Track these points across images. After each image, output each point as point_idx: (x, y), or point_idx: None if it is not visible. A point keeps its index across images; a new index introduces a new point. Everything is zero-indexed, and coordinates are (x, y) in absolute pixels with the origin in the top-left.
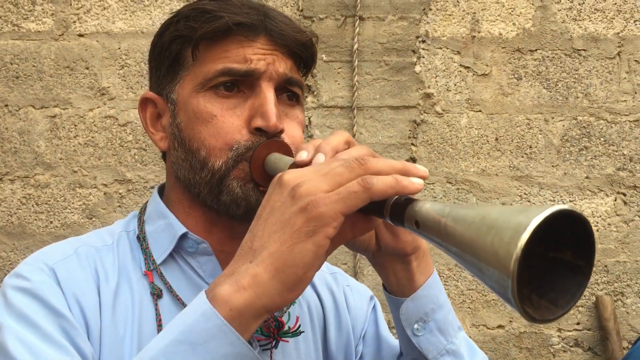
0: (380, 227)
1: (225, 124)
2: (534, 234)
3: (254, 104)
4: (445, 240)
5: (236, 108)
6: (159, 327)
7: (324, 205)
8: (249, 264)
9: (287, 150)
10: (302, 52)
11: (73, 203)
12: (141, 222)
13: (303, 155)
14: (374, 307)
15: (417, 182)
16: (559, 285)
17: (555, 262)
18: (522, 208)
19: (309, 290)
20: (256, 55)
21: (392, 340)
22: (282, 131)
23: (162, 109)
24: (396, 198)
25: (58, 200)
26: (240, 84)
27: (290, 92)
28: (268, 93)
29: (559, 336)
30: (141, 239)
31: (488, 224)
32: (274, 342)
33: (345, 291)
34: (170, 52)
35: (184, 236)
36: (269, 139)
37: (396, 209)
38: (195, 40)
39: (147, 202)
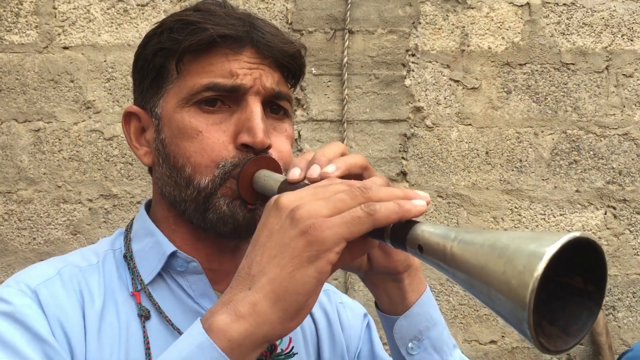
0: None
1: (211, 139)
2: (549, 263)
3: (240, 119)
4: (451, 266)
5: (222, 123)
6: (147, 350)
7: (328, 229)
8: (247, 291)
9: (275, 167)
10: (290, 63)
11: (57, 219)
12: (128, 240)
13: (296, 173)
14: (368, 324)
15: (420, 204)
16: (569, 312)
17: (566, 287)
18: (533, 235)
19: None
20: (242, 70)
21: (386, 358)
22: (269, 147)
23: (146, 124)
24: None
25: (41, 216)
26: (225, 98)
27: (277, 106)
28: (255, 108)
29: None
30: (128, 257)
31: (498, 251)
32: None
33: (338, 309)
34: (154, 65)
35: (172, 255)
36: (256, 154)
37: (398, 232)
38: (179, 53)
39: (133, 218)
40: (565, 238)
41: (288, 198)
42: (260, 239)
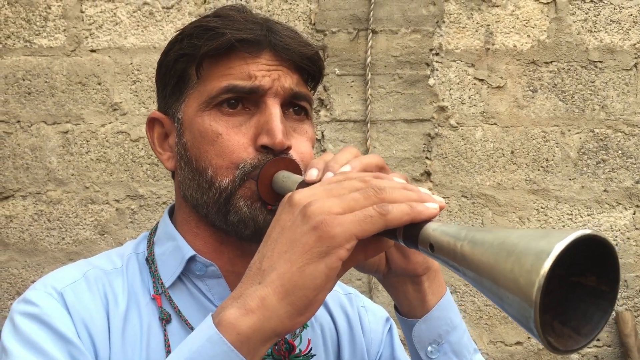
0: (390, 248)
1: (231, 142)
2: (556, 260)
3: (259, 121)
4: (461, 265)
5: (242, 126)
6: (168, 353)
7: (339, 225)
8: (257, 285)
9: (295, 168)
10: (308, 66)
11: (85, 219)
12: (150, 244)
13: (313, 174)
14: (390, 329)
15: (432, 207)
16: (581, 312)
17: (578, 286)
18: (543, 232)
19: (322, 312)
20: (261, 72)
21: None
22: (289, 148)
23: (169, 129)
24: None
25: (70, 217)
26: (245, 101)
27: (297, 107)
28: (274, 109)
29: (578, 353)
30: (150, 261)
31: (507, 249)
32: None
33: (360, 313)
34: (175, 71)
35: (192, 259)
36: (275, 156)
37: (410, 231)
38: (199, 58)
39: (158, 222)
40: (573, 236)
41: (301, 195)
42: (272, 235)
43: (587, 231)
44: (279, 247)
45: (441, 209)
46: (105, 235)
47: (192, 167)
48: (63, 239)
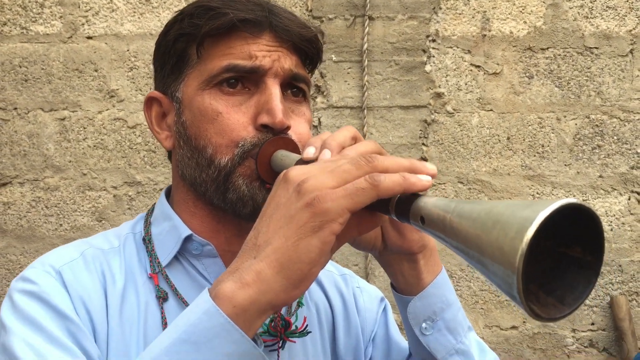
0: (386, 226)
1: (231, 120)
2: (540, 228)
3: (259, 101)
4: (450, 237)
5: (242, 105)
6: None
7: (331, 200)
8: (253, 260)
9: (294, 147)
10: (307, 48)
11: (82, 206)
12: (147, 224)
13: (310, 152)
14: (385, 308)
15: (425, 179)
16: (567, 282)
17: (564, 258)
18: (529, 202)
19: (317, 292)
20: (261, 52)
21: (403, 342)
22: (288, 128)
23: (167, 108)
24: (402, 194)
25: (67, 203)
26: (245, 80)
27: (296, 89)
28: (274, 89)
29: (573, 337)
30: (147, 241)
31: (493, 218)
32: (280, 342)
33: (355, 293)
34: (175, 51)
35: (188, 238)
36: (275, 135)
37: (402, 205)
38: (200, 38)
39: (154, 203)
40: (557, 204)
41: (296, 172)
42: (268, 211)
43: (572, 200)
44: (274, 223)
45: (433, 177)
46: (102, 222)
47: (191, 146)
48: (61, 225)
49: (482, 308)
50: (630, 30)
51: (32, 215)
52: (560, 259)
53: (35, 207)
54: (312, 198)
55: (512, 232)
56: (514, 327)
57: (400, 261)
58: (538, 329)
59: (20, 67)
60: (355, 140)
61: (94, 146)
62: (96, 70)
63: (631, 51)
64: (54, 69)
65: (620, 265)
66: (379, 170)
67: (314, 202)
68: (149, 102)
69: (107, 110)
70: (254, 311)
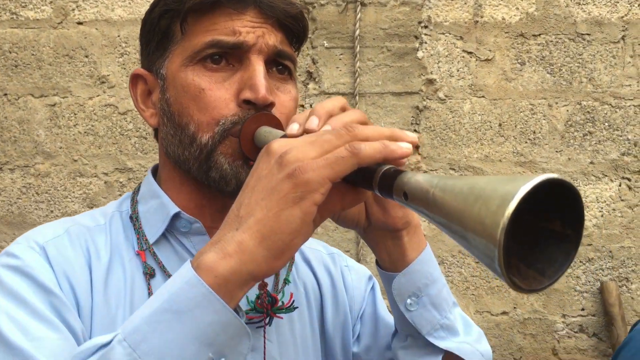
0: (370, 202)
1: (213, 97)
2: (521, 203)
3: (242, 77)
4: (432, 211)
5: (225, 81)
6: None
7: (312, 170)
8: (235, 231)
9: (277, 124)
10: (292, 24)
11: (73, 192)
12: (134, 202)
13: (294, 128)
14: (373, 287)
15: (405, 147)
16: (547, 255)
17: (545, 232)
18: (511, 177)
19: (305, 270)
20: (245, 28)
21: (390, 320)
22: (272, 104)
23: (152, 86)
24: (385, 169)
25: (58, 190)
26: (229, 56)
27: (281, 66)
28: (257, 65)
29: (563, 322)
30: (134, 219)
31: (476, 193)
32: (267, 319)
33: (343, 271)
34: (160, 28)
35: (176, 216)
36: (258, 112)
37: (385, 180)
38: (184, 14)
39: (141, 182)
40: (538, 179)
41: (278, 144)
42: (250, 183)
43: (553, 175)
44: (256, 195)
45: (414, 144)
46: (93, 208)
47: (174, 123)
48: (52, 211)
49: (473, 294)
50: (622, 17)
51: (22, 202)
52: (541, 233)
53: (26, 194)
54: (294, 169)
55: (494, 207)
56: (504, 313)
57: (384, 238)
58: (528, 314)
59: (10, 52)
60: (344, 110)
61: (85, 132)
62: (87, 56)
63: (623, 37)
64: (44, 55)
65: (610, 252)
66: (359, 138)
67: (295, 172)
68: (135, 79)
69: (97, 96)
70: (236, 281)
